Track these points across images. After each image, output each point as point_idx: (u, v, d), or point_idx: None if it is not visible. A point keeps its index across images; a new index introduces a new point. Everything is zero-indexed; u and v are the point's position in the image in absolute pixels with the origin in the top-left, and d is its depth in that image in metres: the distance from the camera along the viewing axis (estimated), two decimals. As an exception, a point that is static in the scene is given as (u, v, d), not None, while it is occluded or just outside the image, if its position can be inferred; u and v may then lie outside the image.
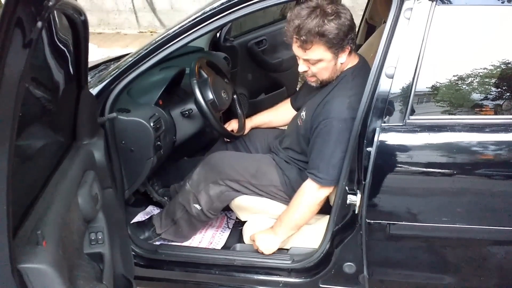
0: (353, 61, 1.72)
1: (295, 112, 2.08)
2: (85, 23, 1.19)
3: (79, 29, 1.19)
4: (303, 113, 1.81)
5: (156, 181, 2.32)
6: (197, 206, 1.90)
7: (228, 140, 2.18)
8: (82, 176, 1.33)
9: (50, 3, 0.83)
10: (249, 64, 3.07)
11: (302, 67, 1.67)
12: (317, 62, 1.62)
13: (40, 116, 1.25)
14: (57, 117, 1.35)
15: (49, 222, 1.04)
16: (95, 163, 1.50)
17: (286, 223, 1.75)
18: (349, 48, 1.63)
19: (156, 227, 2.03)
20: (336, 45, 1.57)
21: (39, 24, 0.80)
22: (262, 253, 1.80)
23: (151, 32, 6.48)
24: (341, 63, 1.65)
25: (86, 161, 1.42)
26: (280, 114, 2.21)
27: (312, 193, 1.68)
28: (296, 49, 1.63)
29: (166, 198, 2.26)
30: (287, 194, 1.85)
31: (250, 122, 2.24)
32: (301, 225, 1.76)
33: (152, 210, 2.30)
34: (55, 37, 1.20)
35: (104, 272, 1.30)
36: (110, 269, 1.32)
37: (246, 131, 2.21)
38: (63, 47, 1.26)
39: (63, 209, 1.13)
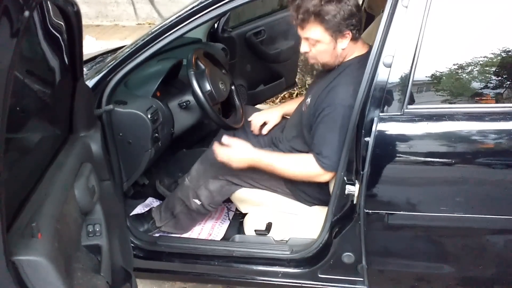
0: (361, 50, 1.69)
1: None
2: (77, 14, 1.18)
3: (72, 20, 1.17)
4: (308, 99, 1.79)
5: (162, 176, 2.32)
6: (196, 201, 1.89)
7: (234, 128, 2.13)
8: (78, 169, 1.33)
9: None
10: (248, 55, 3.06)
11: (303, 47, 1.66)
12: (316, 43, 1.61)
13: (36, 108, 1.24)
14: (53, 109, 1.34)
15: (44, 215, 1.03)
16: (92, 156, 1.50)
17: (272, 165, 1.70)
18: (350, 34, 1.60)
19: (155, 220, 2.03)
20: (332, 27, 1.56)
21: (26, 13, 0.79)
22: (224, 157, 1.71)
23: (150, 24, 6.44)
24: (342, 49, 1.63)
25: (82, 153, 1.41)
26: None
27: (313, 171, 1.66)
28: (296, 27, 1.63)
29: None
30: (288, 187, 1.85)
31: (281, 109, 2.17)
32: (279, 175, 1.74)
33: (152, 202, 2.30)
34: (49, 28, 1.19)
35: (102, 264, 1.30)
36: (108, 261, 1.32)
37: (278, 119, 2.14)
38: (57, 39, 1.25)
39: (59, 201, 1.12)
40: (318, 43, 1.61)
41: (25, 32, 0.79)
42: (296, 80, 3.57)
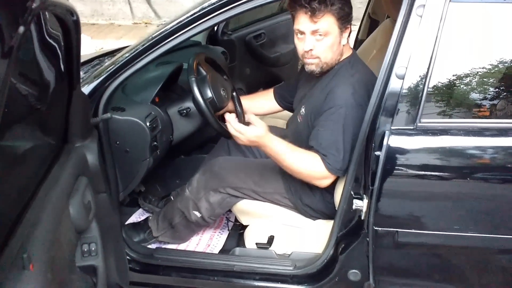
0: (348, 52, 1.72)
1: (273, 102, 2.10)
2: (76, 23, 1.10)
3: (70, 29, 1.09)
4: (302, 109, 1.76)
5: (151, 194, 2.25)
6: (196, 213, 1.83)
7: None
8: (74, 184, 1.25)
9: (34, 5, 0.73)
10: (247, 58, 3.04)
11: (308, 44, 1.60)
12: (324, 36, 1.58)
13: (29, 117, 1.16)
14: (47, 118, 1.26)
15: (37, 241, 0.95)
16: (88, 168, 1.42)
17: (279, 155, 1.59)
18: (349, 29, 1.65)
19: (152, 229, 1.97)
20: (342, 18, 1.58)
21: (21, 29, 0.71)
22: (235, 133, 1.58)
23: (146, 23, 6.38)
24: (343, 45, 1.65)
25: (78, 165, 1.34)
26: (257, 103, 2.16)
27: (317, 172, 1.58)
28: (303, 21, 1.57)
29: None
30: (292, 201, 1.79)
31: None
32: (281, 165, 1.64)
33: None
34: (45, 35, 1.11)
35: (98, 286, 1.22)
36: (104, 282, 1.24)
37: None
38: (53, 45, 1.17)
39: (53, 224, 1.04)
40: (326, 37, 1.59)
41: (19, 50, 0.71)
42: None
